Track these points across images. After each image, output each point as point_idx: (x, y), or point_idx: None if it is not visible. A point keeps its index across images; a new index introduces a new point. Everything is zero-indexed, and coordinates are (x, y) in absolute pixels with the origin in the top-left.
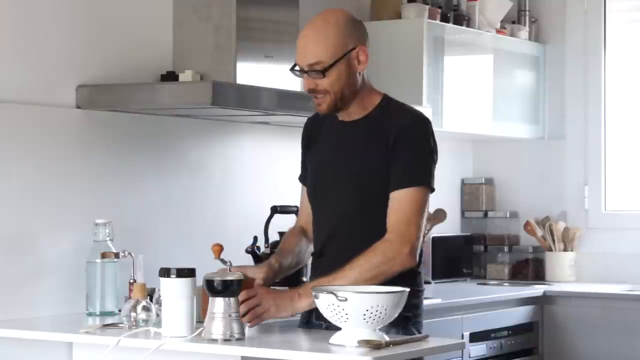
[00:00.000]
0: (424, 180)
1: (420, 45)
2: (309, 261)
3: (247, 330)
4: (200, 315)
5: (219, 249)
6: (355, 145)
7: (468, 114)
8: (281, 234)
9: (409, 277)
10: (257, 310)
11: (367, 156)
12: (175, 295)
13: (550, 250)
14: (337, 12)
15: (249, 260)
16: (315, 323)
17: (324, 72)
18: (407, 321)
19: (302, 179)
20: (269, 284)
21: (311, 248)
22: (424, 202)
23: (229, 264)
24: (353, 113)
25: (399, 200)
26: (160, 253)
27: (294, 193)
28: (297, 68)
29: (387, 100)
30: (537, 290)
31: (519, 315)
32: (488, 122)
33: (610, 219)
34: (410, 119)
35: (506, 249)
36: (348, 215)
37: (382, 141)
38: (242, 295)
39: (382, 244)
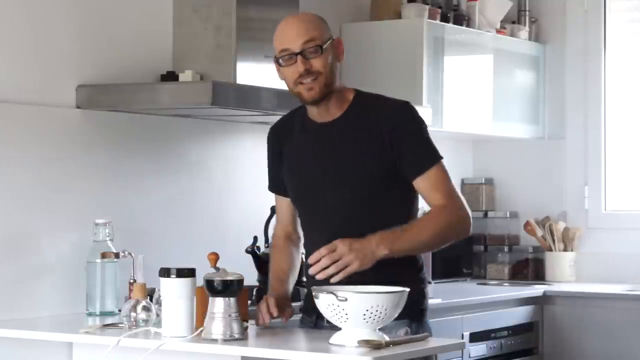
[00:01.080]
0: (437, 155)
1: (420, 45)
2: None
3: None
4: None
5: (215, 257)
6: (344, 146)
7: (468, 114)
8: None
9: (416, 268)
10: (339, 265)
11: (360, 155)
12: (175, 295)
13: (550, 250)
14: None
15: (248, 260)
16: (326, 326)
17: (321, 47)
18: (423, 315)
19: (275, 188)
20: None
21: (301, 248)
22: (448, 173)
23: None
24: (331, 111)
25: (430, 179)
26: (160, 253)
27: None
28: (284, 54)
29: (360, 95)
30: (537, 290)
31: (519, 315)
32: (488, 122)
33: (610, 219)
34: (395, 109)
35: (506, 249)
36: (348, 217)
37: (375, 139)
38: (322, 251)
39: (452, 209)
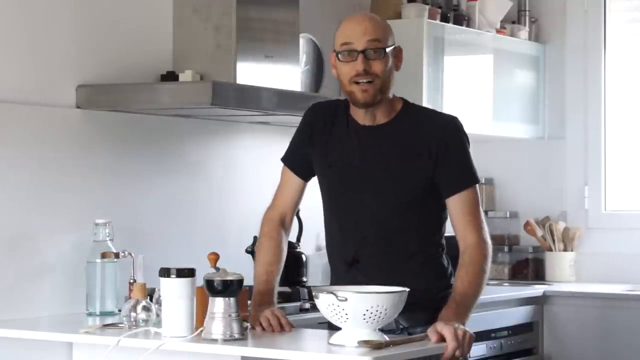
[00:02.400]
0: (474, 178)
1: (420, 45)
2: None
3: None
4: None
5: (215, 257)
6: (389, 153)
7: (468, 114)
8: None
9: (445, 276)
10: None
11: (405, 164)
12: (175, 295)
13: (550, 250)
14: None
15: (248, 260)
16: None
17: (384, 50)
18: None
19: (290, 162)
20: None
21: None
22: (479, 197)
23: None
24: (378, 116)
25: (463, 202)
26: (160, 253)
27: None
28: (347, 48)
29: (408, 105)
30: (537, 290)
31: (519, 315)
32: (488, 122)
33: (610, 219)
34: (444, 124)
35: (506, 249)
36: (385, 220)
37: (420, 150)
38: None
39: (476, 252)
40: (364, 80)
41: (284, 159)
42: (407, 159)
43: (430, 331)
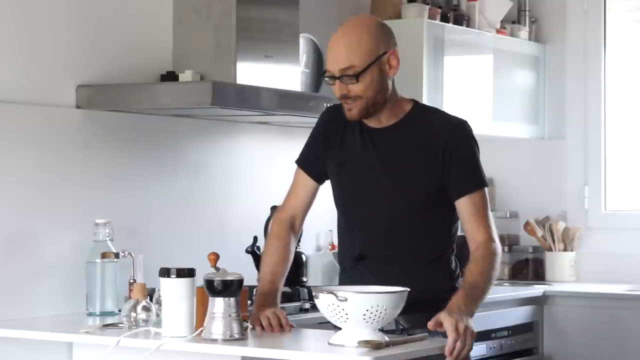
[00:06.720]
0: (483, 181)
1: (420, 45)
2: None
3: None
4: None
5: (215, 257)
6: (396, 155)
7: (468, 114)
8: None
9: (452, 276)
10: (468, 346)
11: (415, 164)
12: (175, 295)
13: (550, 250)
14: (368, 18)
15: (248, 260)
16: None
17: (357, 76)
18: None
19: (304, 163)
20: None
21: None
22: (488, 201)
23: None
24: (383, 119)
25: (472, 204)
26: (160, 253)
27: None
28: (327, 75)
29: (418, 107)
30: (537, 290)
31: (519, 315)
32: (488, 122)
33: (610, 219)
34: (452, 127)
35: (506, 249)
36: (394, 220)
37: (428, 152)
38: (453, 344)
39: (486, 250)
40: (348, 101)
41: (298, 162)
42: (416, 160)
43: (432, 320)
